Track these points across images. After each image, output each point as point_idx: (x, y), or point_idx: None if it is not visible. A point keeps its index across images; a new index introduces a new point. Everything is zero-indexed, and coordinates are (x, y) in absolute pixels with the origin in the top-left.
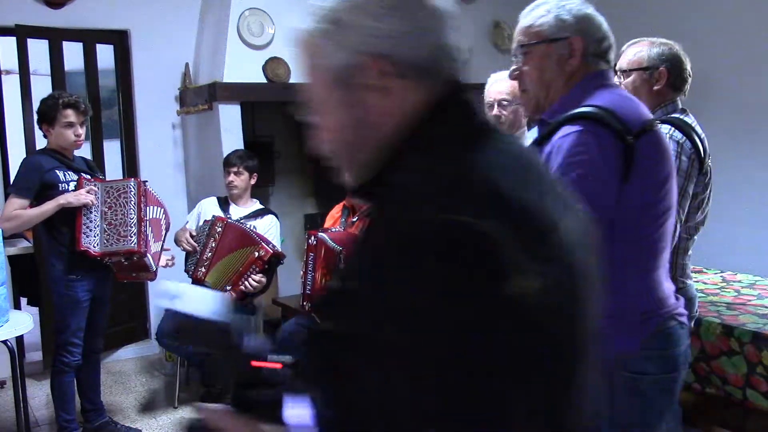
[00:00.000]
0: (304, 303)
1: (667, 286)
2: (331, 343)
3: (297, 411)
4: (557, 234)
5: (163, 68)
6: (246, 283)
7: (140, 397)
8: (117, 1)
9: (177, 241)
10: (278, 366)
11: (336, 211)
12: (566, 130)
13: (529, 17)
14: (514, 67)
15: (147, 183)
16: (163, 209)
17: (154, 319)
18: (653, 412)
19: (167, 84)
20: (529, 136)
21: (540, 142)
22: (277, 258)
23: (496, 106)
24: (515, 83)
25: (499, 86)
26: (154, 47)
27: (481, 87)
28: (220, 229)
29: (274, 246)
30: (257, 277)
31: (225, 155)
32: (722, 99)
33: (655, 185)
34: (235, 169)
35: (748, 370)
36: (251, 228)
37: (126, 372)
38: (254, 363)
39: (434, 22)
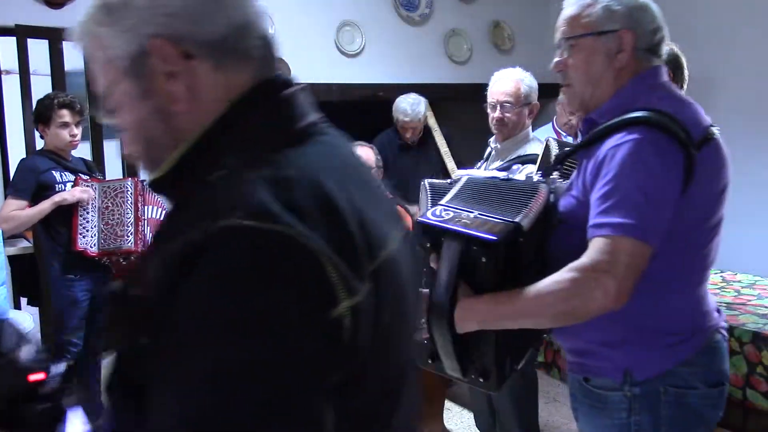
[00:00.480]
0: None
1: (711, 300)
2: (127, 357)
3: (75, 428)
4: (385, 248)
5: None
6: None
7: None
8: None
9: None
10: (43, 377)
11: None
12: (623, 137)
13: (575, 6)
14: (557, 59)
15: (145, 182)
16: (164, 211)
17: None
18: (701, 427)
19: None
20: (537, 134)
21: (588, 143)
22: None
23: (498, 108)
24: (519, 83)
25: (501, 86)
26: None
27: (481, 87)
28: None
29: None
30: None
31: None
32: (722, 99)
33: (711, 197)
34: None
35: (748, 370)
36: None
37: None
38: (31, 378)
39: None
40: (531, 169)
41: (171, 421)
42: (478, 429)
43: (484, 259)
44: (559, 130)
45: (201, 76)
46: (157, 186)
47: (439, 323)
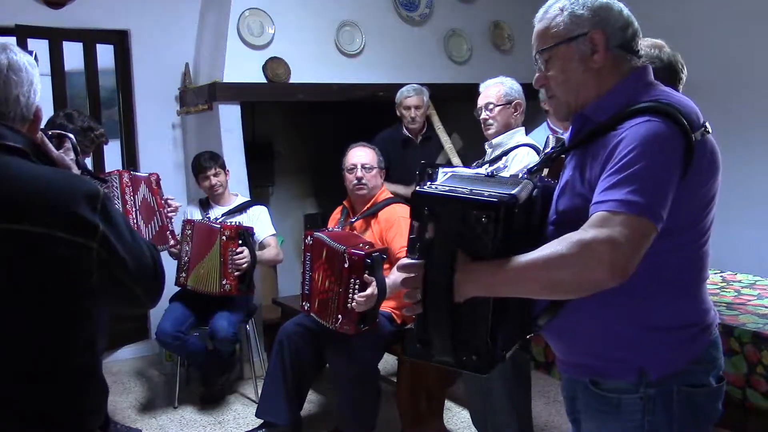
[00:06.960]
0: (303, 303)
1: (709, 296)
2: None
3: None
4: None
5: (163, 68)
6: (234, 266)
7: (140, 397)
8: (117, 1)
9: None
10: None
11: (336, 213)
12: (631, 123)
13: (543, 20)
14: (537, 75)
15: (131, 170)
16: (152, 178)
17: (154, 319)
18: (707, 423)
19: (167, 84)
20: (531, 136)
21: (587, 140)
22: (246, 231)
23: (483, 109)
24: (498, 86)
25: (487, 91)
26: (154, 47)
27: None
28: (189, 231)
29: (235, 222)
30: (238, 252)
31: (194, 162)
32: (715, 100)
33: (709, 188)
34: (212, 172)
35: (748, 370)
36: (236, 224)
37: (126, 372)
38: None
39: None
40: (523, 163)
41: None
42: (475, 427)
43: (485, 220)
44: (555, 128)
45: None
46: None
47: (436, 293)
